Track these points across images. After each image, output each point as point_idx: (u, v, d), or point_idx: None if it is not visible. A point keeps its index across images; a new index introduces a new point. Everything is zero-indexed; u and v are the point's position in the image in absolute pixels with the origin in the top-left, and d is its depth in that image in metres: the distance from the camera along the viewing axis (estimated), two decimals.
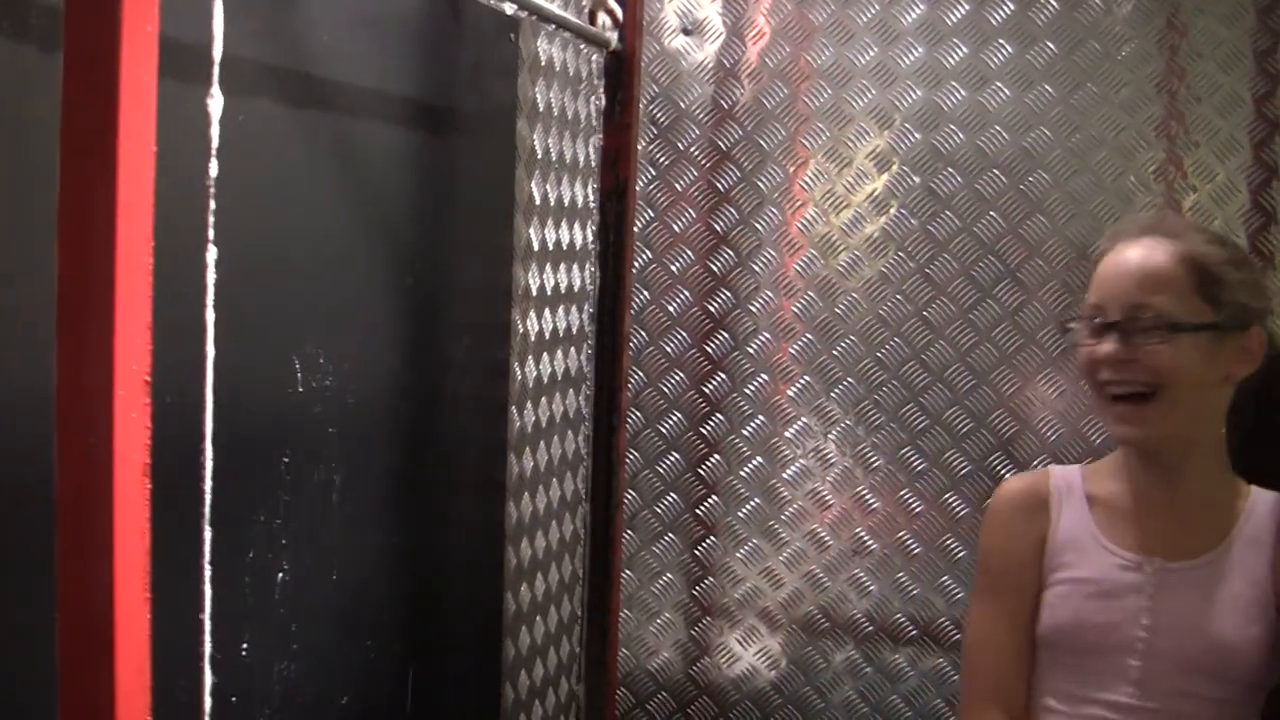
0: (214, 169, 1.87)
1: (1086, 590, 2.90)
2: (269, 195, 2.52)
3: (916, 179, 3.98)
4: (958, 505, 4.00)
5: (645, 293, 4.17)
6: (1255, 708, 2.84)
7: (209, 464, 1.90)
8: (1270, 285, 3.69)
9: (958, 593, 4.02)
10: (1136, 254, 2.84)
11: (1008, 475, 3.90)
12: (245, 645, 2.51)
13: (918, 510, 4.04)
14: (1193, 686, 2.79)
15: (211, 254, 1.86)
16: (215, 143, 1.86)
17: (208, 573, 1.92)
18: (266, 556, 2.57)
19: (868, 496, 4.07)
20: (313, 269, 2.69)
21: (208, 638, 1.94)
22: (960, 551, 4.00)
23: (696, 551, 4.22)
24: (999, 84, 3.91)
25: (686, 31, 4.12)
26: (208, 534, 1.90)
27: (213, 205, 1.87)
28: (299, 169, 2.62)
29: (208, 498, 1.90)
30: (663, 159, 4.14)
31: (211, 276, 1.86)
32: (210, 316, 1.87)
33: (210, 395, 1.90)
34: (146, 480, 1.64)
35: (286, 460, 2.61)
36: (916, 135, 3.97)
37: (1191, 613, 2.80)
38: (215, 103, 1.85)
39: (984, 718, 2.99)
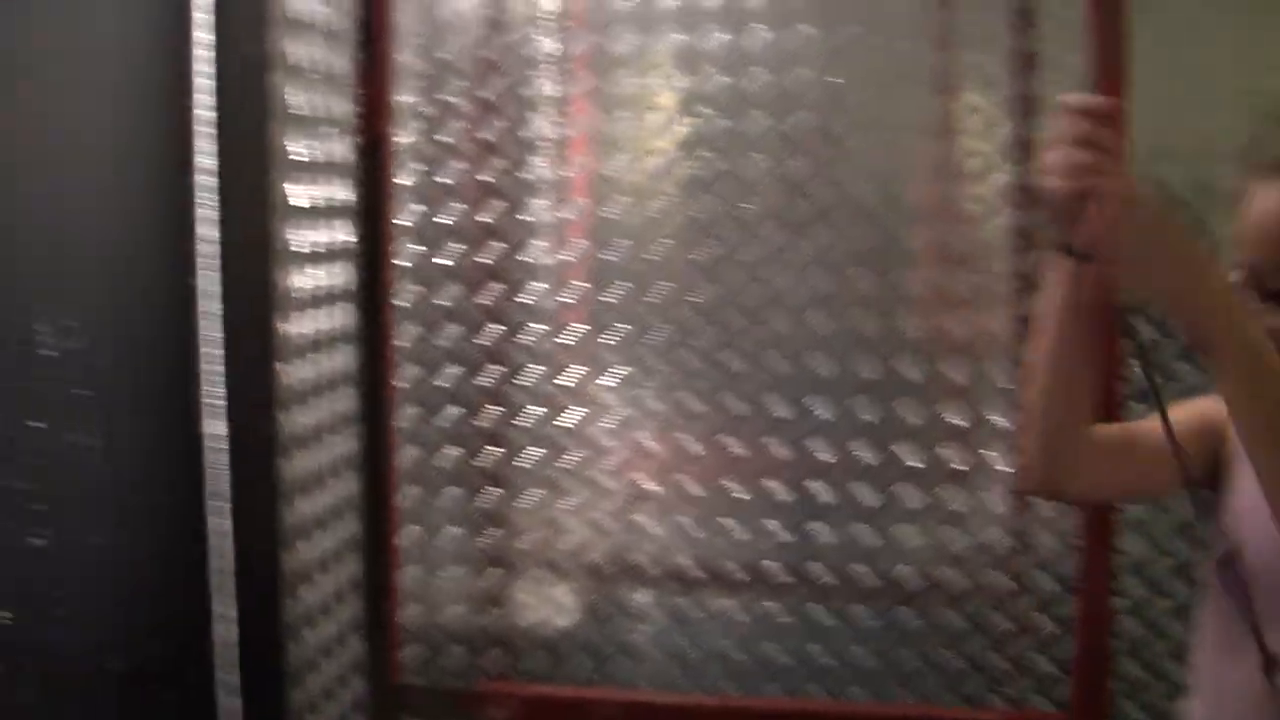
0: None
1: None
2: None
3: (682, 123, 3.98)
4: (735, 447, 4.02)
5: (420, 246, 4.14)
6: None
7: None
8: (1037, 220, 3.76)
9: (741, 535, 4.04)
10: None
11: (782, 415, 3.94)
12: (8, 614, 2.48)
13: (697, 453, 4.05)
14: None
15: None
16: None
17: None
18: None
19: (647, 441, 4.08)
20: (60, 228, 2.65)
21: None
22: (740, 493, 4.02)
23: (478, 503, 4.20)
24: (757, 25, 3.92)
25: None
26: None
27: None
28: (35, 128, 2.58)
29: None
30: (428, 111, 4.11)
31: None
32: None
33: None
34: None
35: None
36: (680, 80, 3.98)
37: None
38: None
39: None
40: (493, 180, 4.10)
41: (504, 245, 4.11)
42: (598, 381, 4.10)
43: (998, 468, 3.91)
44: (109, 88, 2.89)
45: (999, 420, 3.89)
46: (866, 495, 3.97)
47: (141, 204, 3.00)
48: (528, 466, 4.16)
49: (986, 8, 3.81)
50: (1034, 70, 3.81)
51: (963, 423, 3.92)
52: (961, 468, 3.93)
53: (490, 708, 4.16)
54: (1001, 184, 3.86)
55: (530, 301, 4.12)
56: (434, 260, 4.14)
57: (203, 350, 3.19)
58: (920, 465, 3.95)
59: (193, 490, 3.15)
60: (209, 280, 3.20)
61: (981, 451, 3.92)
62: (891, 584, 3.99)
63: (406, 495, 4.16)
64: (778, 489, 4.02)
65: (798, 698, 4.06)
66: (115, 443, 2.83)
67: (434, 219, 4.13)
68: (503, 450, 4.17)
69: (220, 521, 3.26)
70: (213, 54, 3.13)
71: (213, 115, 3.05)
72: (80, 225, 2.71)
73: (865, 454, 3.96)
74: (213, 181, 3.00)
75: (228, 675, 3.29)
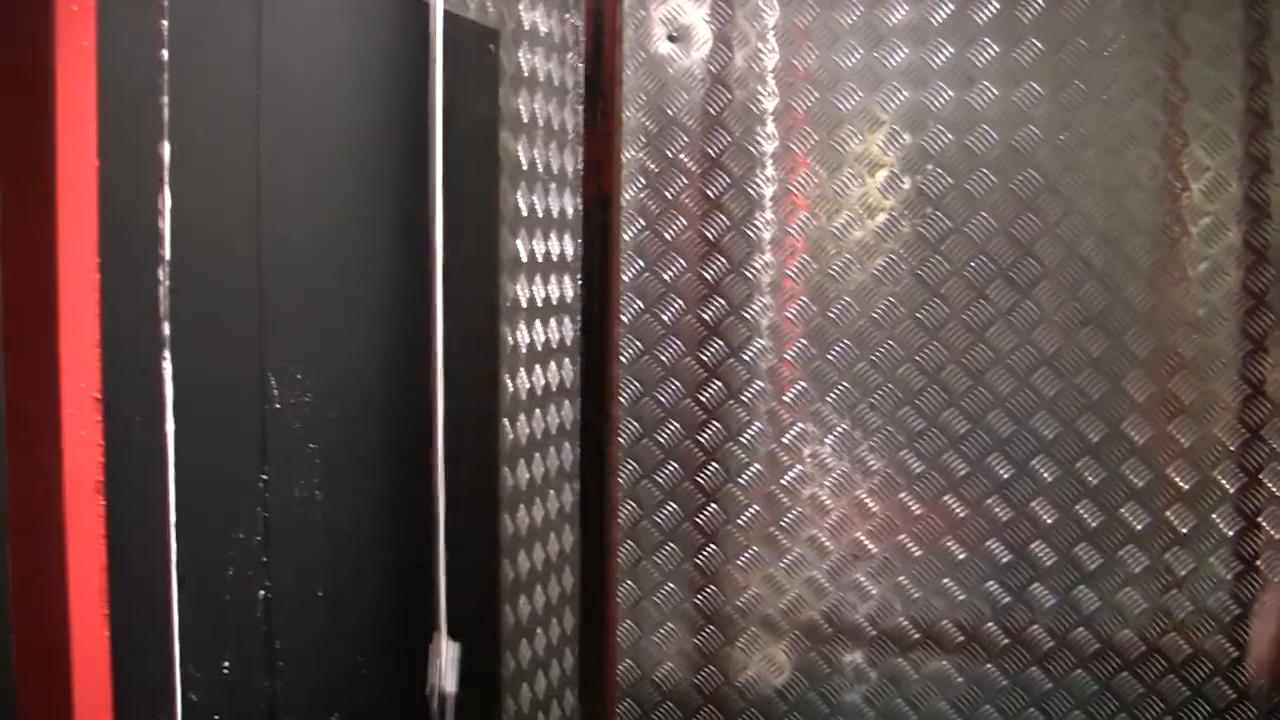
0: (168, 196, 1.87)
1: None
2: (234, 215, 2.51)
3: (906, 181, 3.96)
4: (957, 507, 3.98)
5: (639, 302, 4.15)
6: None
7: (172, 478, 1.89)
8: (1265, 280, 3.70)
9: (959, 595, 4.00)
10: None
11: (1005, 476, 3.90)
12: (226, 664, 2.50)
13: (917, 513, 4.02)
14: None
15: (164, 272, 1.86)
16: (168, 165, 1.86)
17: (175, 591, 1.91)
18: (246, 574, 2.56)
19: (867, 500, 4.05)
20: (294, 283, 2.68)
21: (177, 657, 1.94)
22: (960, 553, 3.98)
23: (697, 560, 4.19)
24: (985, 83, 3.89)
25: (672, 38, 4.11)
26: (173, 549, 1.90)
27: (168, 225, 1.87)
28: (274, 183, 2.61)
29: (173, 516, 1.89)
30: (653, 167, 4.13)
31: (165, 296, 1.86)
32: (166, 331, 1.87)
33: (171, 412, 1.89)
34: (100, 498, 1.63)
35: (265, 478, 2.60)
36: (905, 137, 3.96)
37: None
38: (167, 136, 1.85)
39: None
40: (715, 237, 4.09)
41: (725, 302, 4.10)
42: (819, 440, 4.07)
43: (1222, 531, 3.83)
44: (346, 144, 2.92)
45: (1225, 483, 3.82)
46: (1088, 557, 3.90)
47: (372, 257, 3.03)
48: (746, 524, 4.14)
49: (1216, 64, 3.76)
50: (1265, 128, 3.75)
51: (1186, 485, 3.85)
52: (1184, 530, 3.86)
53: None
54: (1230, 243, 3.79)
55: (751, 359, 4.10)
56: (655, 317, 4.14)
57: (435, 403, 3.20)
58: (1142, 528, 3.88)
59: (417, 543, 3.16)
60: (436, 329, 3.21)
61: (1208, 515, 3.84)
62: (1112, 648, 3.93)
63: (624, 552, 4.15)
64: (998, 550, 3.97)
65: None
66: (336, 496, 2.85)
67: (656, 275, 4.13)
68: (721, 508, 4.15)
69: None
70: (441, 110, 3.15)
71: (440, 170, 3.06)
72: (308, 276, 2.73)
73: (1088, 516, 3.90)
74: (439, 237, 3.01)
75: None
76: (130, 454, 1.82)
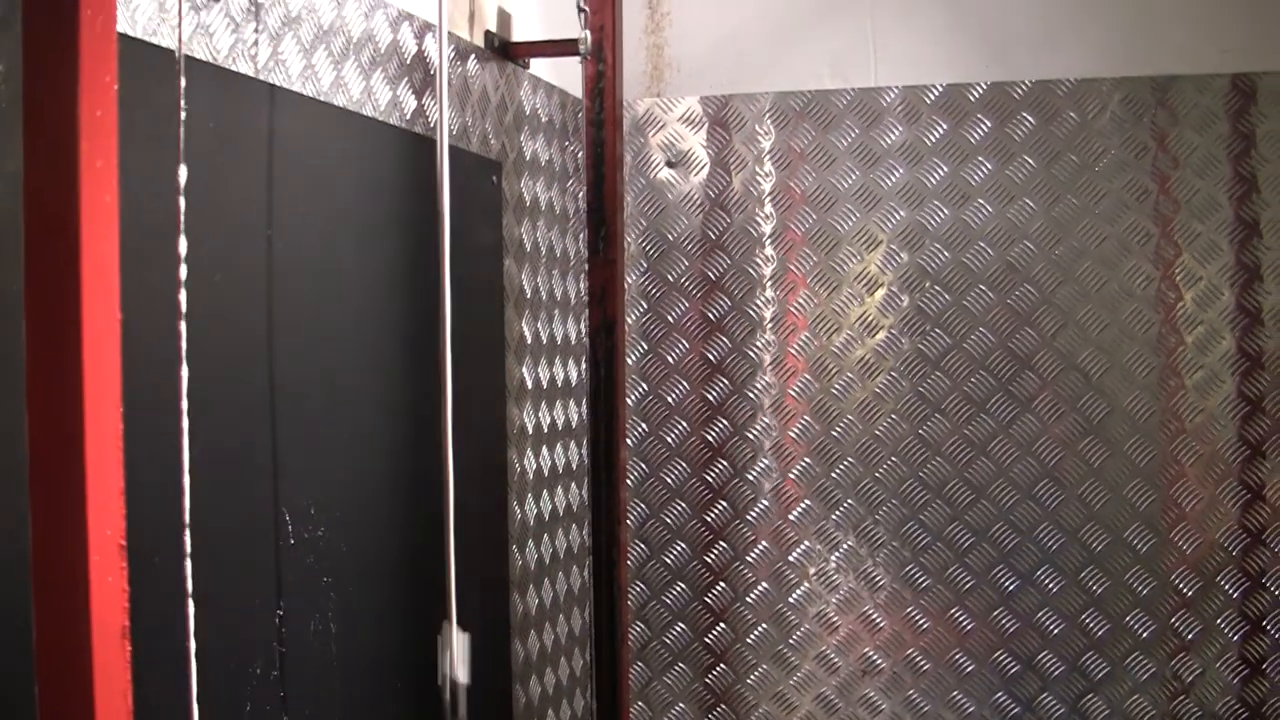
0: (184, 331, 1.91)
1: None
2: (248, 353, 2.55)
3: (905, 299, 4.01)
4: (963, 619, 4.00)
5: (644, 425, 4.19)
6: None
7: (192, 623, 1.92)
8: (1261, 386, 3.75)
9: (969, 707, 4.01)
10: None
11: (1010, 588, 3.93)
12: None
13: (924, 626, 4.04)
14: None
15: (184, 410, 1.89)
16: (184, 309, 1.90)
17: None
18: (264, 709, 2.58)
19: (874, 615, 4.07)
20: (306, 418, 2.71)
21: None
22: (969, 665, 4.00)
23: (707, 680, 4.21)
24: (980, 200, 3.95)
25: (670, 164, 4.18)
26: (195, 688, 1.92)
27: (185, 374, 1.91)
28: (286, 317, 2.65)
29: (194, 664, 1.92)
30: (654, 291, 4.18)
31: (185, 435, 1.89)
32: (186, 477, 1.90)
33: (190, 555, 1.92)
34: (127, 644, 1.66)
35: (281, 613, 2.63)
36: (903, 255, 4.01)
37: None
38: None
39: None
40: (717, 359, 4.14)
41: (729, 423, 4.14)
42: (824, 558, 4.10)
43: (1228, 636, 3.86)
44: (354, 278, 2.96)
45: (1228, 588, 3.85)
46: (1095, 666, 3.92)
47: (382, 387, 3.07)
48: (755, 643, 4.16)
49: (1206, 176, 3.82)
50: (1255, 237, 3.81)
51: (1190, 592, 3.88)
52: (1189, 637, 3.89)
53: None
54: (1225, 351, 3.84)
55: (755, 479, 4.14)
56: (660, 439, 4.18)
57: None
58: (1148, 635, 3.90)
59: (425, 680, 3.18)
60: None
61: (1213, 621, 3.87)
62: None
63: (635, 672, 4.17)
64: (1006, 661, 3.99)
65: None
66: (351, 627, 2.87)
67: (660, 398, 4.17)
68: (730, 627, 4.17)
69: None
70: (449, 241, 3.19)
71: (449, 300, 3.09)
72: (319, 411, 2.77)
73: (1094, 625, 3.92)
74: (448, 361, 3.04)
75: None
76: (152, 599, 1.85)
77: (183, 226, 1.96)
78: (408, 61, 3.05)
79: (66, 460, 1.61)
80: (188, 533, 1.94)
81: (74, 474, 1.61)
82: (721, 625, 4.20)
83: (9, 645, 1.80)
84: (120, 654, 1.65)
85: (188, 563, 1.94)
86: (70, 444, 1.61)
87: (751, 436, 4.14)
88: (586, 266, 3.87)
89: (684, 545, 4.21)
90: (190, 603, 1.95)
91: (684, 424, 4.19)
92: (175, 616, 1.96)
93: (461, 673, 2.93)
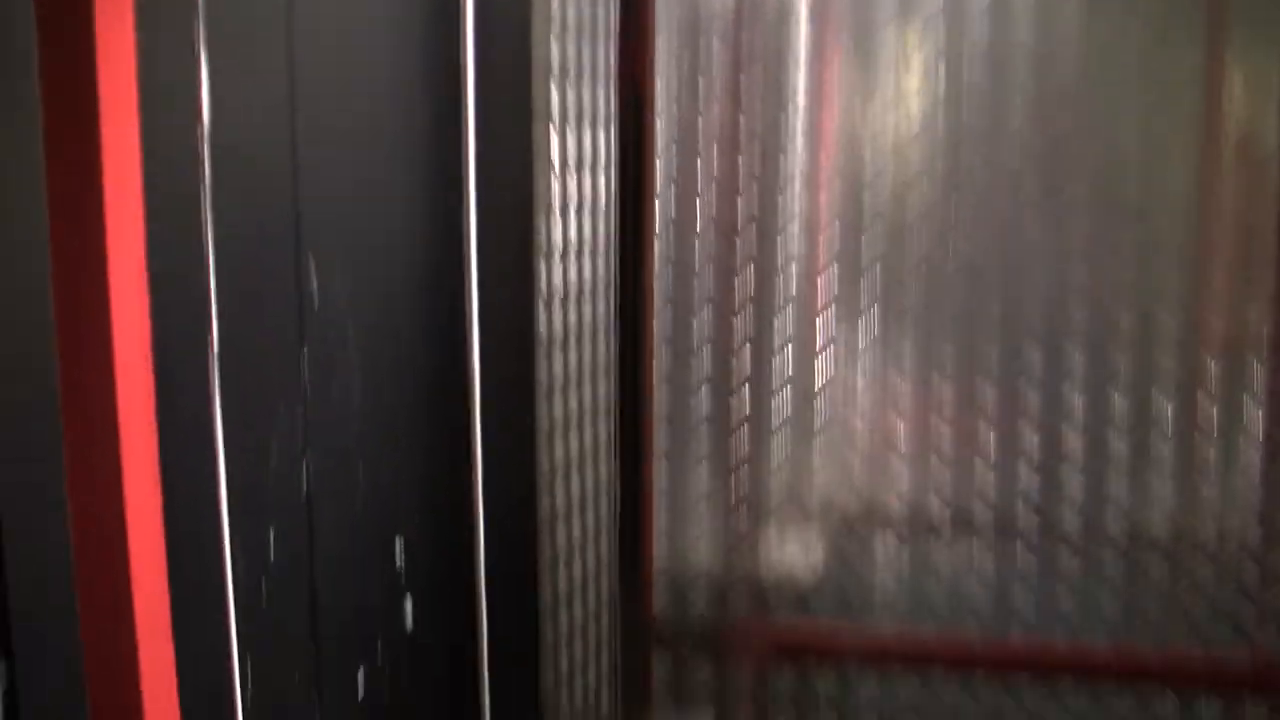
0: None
1: None
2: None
3: (942, 70, 3.97)
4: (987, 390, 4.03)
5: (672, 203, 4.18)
6: None
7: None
8: None
9: (990, 480, 4.05)
10: None
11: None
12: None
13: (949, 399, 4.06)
14: None
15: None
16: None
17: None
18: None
19: (901, 385, 4.09)
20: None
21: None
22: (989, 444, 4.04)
23: (731, 442, 4.24)
24: None
25: None
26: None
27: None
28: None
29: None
30: (687, 59, 4.13)
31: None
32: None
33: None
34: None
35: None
36: (941, 30, 3.96)
37: None
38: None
39: None
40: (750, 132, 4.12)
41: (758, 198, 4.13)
42: (853, 327, 4.11)
43: (1251, 418, 3.88)
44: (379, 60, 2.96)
45: (1256, 368, 3.86)
46: (1118, 443, 3.95)
47: (409, 190, 3.07)
48: (780, 410, 4.19)
49: None
50: None
51: (1218, 373, 3.89)
52: (1214, 418, 3.91)
53: (738, 644, 4.22)
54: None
55: (787, 247, 4.13)
56: (690, 209, 4.17)
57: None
58: (1173, 415, 3.92)
59: (457, 442, 3.23)
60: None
61: (1241, 399, 3.89)
62: (1140, 532, 3.98)
63: (660, 438, 4.21)
64: (1027, 434, 4.01)
65: (1042, 641, 4.07)
66: (384, 398, 2.92)
67: (691, 169, 4.15)
68: (756, 394, 4.20)
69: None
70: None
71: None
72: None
73: (1119, 400, 3.94)
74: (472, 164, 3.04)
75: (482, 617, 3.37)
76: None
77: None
78: None
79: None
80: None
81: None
82: (747, 389, 4.21)
83: None
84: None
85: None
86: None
87: (782, 203, 4.12)
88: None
89: (712, 311, 4.20)
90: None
91: (715, 194, 4.16)
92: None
93: None
